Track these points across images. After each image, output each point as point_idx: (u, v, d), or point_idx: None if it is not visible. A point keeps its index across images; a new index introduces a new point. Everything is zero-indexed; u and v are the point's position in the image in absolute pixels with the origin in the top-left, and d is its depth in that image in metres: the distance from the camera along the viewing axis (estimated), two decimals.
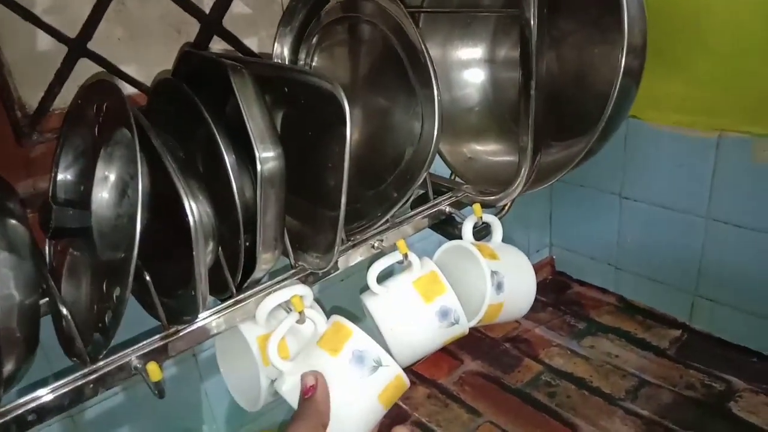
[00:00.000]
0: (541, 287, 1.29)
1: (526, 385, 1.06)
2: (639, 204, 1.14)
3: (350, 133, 0.51)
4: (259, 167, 0.50)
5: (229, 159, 0.51)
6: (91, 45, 0.76)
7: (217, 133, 0.50)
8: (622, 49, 0.57)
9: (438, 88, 0.57)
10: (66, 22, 0.75)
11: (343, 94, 0.51)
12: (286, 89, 0.59)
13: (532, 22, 0.58)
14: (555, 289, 1.32)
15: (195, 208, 0.45)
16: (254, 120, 0.51)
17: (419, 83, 0.60)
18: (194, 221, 0.45)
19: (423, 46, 0.57)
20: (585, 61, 0.72)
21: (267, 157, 0.51)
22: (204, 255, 0.47)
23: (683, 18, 0.97)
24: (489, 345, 1.17)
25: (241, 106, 0.51)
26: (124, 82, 0.78)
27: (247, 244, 0.54)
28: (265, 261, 0.53)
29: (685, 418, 0.95)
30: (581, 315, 1.23)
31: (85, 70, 0.75)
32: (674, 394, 1.00)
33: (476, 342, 1.16)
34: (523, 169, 0.64)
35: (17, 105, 0.73)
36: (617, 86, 0.58)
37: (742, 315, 1.05)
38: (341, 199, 0.53)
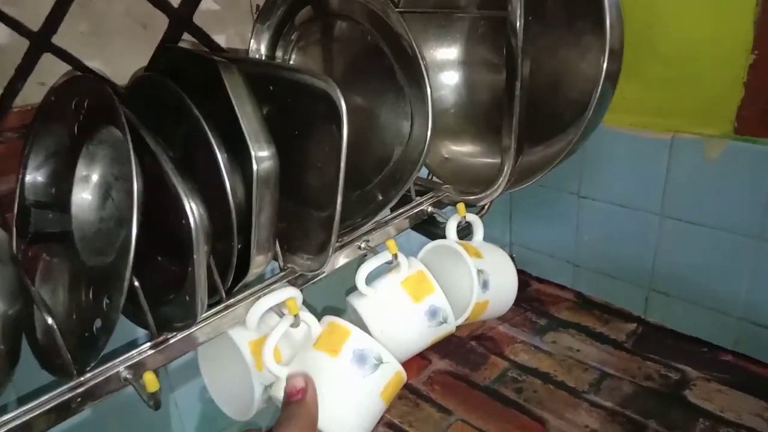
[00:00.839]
0: None
1: (494, 382, 1.08)
2: (596, 203, 1.18)
3: (347, 132, 0.50)
4: (255, 167, 0.49)
5: (221, 158, 0.49)
6: (54, 39, 0.71)
7: (209, 133, 0.48)
8: (604, 53, 0.59)
9: (429, 85, 0.57)
10: (26, 13, 0.71)
11: (339, 93, 0.50)
12: (271, 87, 0.58)
13: (517, 25, 0.59)
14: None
15: (195, 210, 0.43)
16: (248, 118, 0.50)
17: (407, 81, 0.60)
18: (195, 223, 0.43)
19: (414, 45, 0.57)
20: (558, 64, 0.74)
21: (262, 156, 0.50)
22: (204, 258, 0.45)
23: (636, 26, 1.02)
24: (456, 344, 1.18)
25: (234, 104, 0.49)
26: None
27: (239, 246, 0.52)
28: (258, 264, 0.52)
29: (645, 407, 0.99)
30: (542, 311, 1.26)
31: (47, 66, 0.71)
32: (634, 385, 1.04)
33: (443, 341, 1.16)
34: (505, 170, 0.66)
35: None
36: (599, 89, 0.60)
37: (693, 307, 1.11)
38: (335, 200, 0.53)
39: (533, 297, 1.31)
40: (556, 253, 1.30)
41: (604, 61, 0.60)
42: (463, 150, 0.80)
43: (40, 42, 0.68)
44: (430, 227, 0.72)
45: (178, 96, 0.51)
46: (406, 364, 1.14)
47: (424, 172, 0.80)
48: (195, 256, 0.43)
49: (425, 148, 0.58)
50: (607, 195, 1.16)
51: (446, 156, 0.79)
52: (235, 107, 0.49)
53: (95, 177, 0.50)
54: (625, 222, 1.15)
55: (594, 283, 1.25)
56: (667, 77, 1.02)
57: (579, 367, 1.09)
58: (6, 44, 0.69)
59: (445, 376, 1.10)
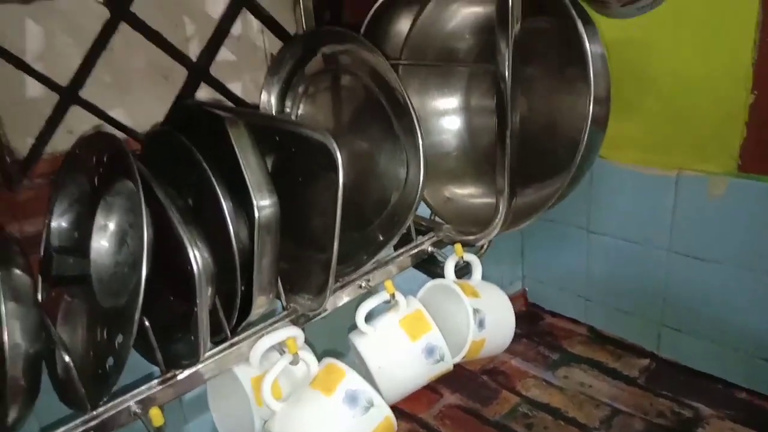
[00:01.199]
0: (515, 319, 1.33)
1: (505, 417, 1.08)
2: (605, 238, 1.20)
3: (342, 181, 0.54)
4: (257, 215, 0.53)
5: (226, 206, 0.54)
6: (81, 92, 0.78)
7: (216, 183, 0.53)
8: (589, 101, 0.62)
9: (421, 136, 0.60)
10: (55, 69, 0.78)
11: (335, 145, 0.54)
12: (277, 138, 0.62)
13: (506, 75, 0.63)
14: (528, 320, 1.36)
15: (198, 258, 0.47)
16: (251, 169, 0.54)
17: (403, 131, 0.64)
18: (198, 270, 0.47)
19: (406, 97, 0.61)
20: (554, 108, 0.77)
21: (264, 205, 0.54)
22: (206, 302, 0.49)
23: (630, 62, 1.05)
24: (467, 378, 1.19)
25: (238, 157, 0.54)
26: (113, 128, 0.80)
27: (243, 288, 0.56)
28: (260, 304, 0.56)
29: None
30: (554, 346, 1.27)
31: (74, 115, 0.77)
32: (646, 422, 1.03)
33: (455, 375, 1.18)
34: (500, 212, 0.68)
35: (6, 150, 0.74)
36: (586, 135, 0.63)
37: (705, 343, 1.10)
38: (333, 243, 0.56)
39: (546, 331, 1.32)
40: (568, 287, 1.31)
41: (589, 108, 0.62)
42: (464, 191, 0.83)
43: (68, 95, 0.75)
44: (430, 266, 0.75)
45: (188, 149, 0.56)
46: (416, 397, 1.16)
47: (426, 212, 0.83)
48: (198, 301, 0.47)
49: (418, 195, 0.61)
50: (615, 230, 1.18)
51: (448, 197, 0.82)
52: (239, 159, 0.53)
53: (112, 225, 0.55)
54: (634, 257, 1.16)
55: (606, 317, 1.26)
56: (668, 115, 1.04)
57: (590, 403, 1.10)
58: (38, 98, 0.76)
59: (455, 410, 1.11)
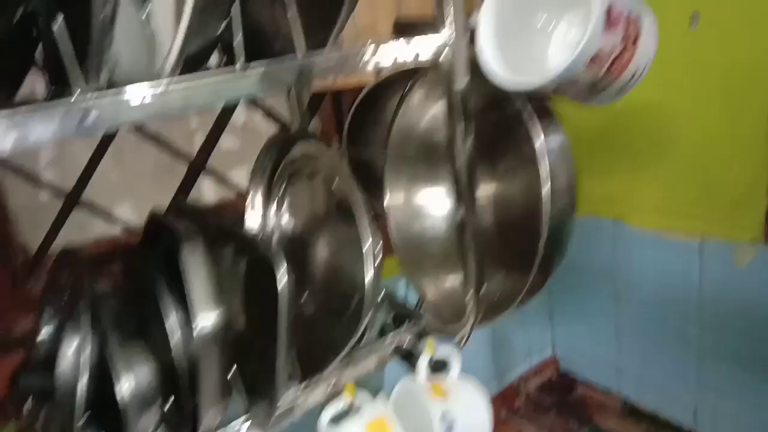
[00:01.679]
0: (546, 388, 1.28)
1: None
2: (632, 305, 1.14)
3: (284, 297, 0.55)
4: (195, 331, 0.55)
5: (173, 319, 0.56)
6: (91, 188, 0.85)
7: (159, 299, 0.56)
8: (543, 198, 0.61)
9: (372, 243, 0.61)
10: (66, 171, 0.85)
11: (279, 261, 0.55)
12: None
13: (462, 172, 0.63)
14: (559, 390, 1.30)
15: (127, 388, 0.49)
16: (196, 285, 0.56)
17: (361, 235, 0.65)
18: (124, 401, 0.49)
19: (360, 210, 0.61)
20: (531, 196, 0.75)
21: (206, 318, 0.56)
22: (137, 428, 0.51)
23: (648, 126, 1.00)
24: None
25: (183, 273, 0.56)
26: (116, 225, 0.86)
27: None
28: (210, 417, 0.57)
29: None
30: (584, 419, 1.20)
31: (82, 213, 0.84)
32: None
33: None
34: (469, 307, 0.67)
35: (18, 250, 0.82)
36: (545, 227, 0.62)
37: (746, 419, 1.01)
38: (281, 356, 0.57)
39: (578, 401, 1.25)
40: (599, 355, 1.25)
41: (543, 207, 0.61)
42: (454, 276, 0.81)
43: (72, 200, 0.81)
44: (410, 358, 0.74)
45: (145, 265, 0.59)
46: None
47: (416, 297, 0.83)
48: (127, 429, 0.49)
49: (365, 308, 0.61)
50: (642, 296, 1.12)
51: (436, 283, 0.82)
52: (184, 277, 0.56)
53: (75, 343, 0.58)
54: (663, 326, 1.09)
55: (640, 388, 1.18)
56: (688, 177, 1.00)
57: None
58: (48, 201, 0.83)
59: None
